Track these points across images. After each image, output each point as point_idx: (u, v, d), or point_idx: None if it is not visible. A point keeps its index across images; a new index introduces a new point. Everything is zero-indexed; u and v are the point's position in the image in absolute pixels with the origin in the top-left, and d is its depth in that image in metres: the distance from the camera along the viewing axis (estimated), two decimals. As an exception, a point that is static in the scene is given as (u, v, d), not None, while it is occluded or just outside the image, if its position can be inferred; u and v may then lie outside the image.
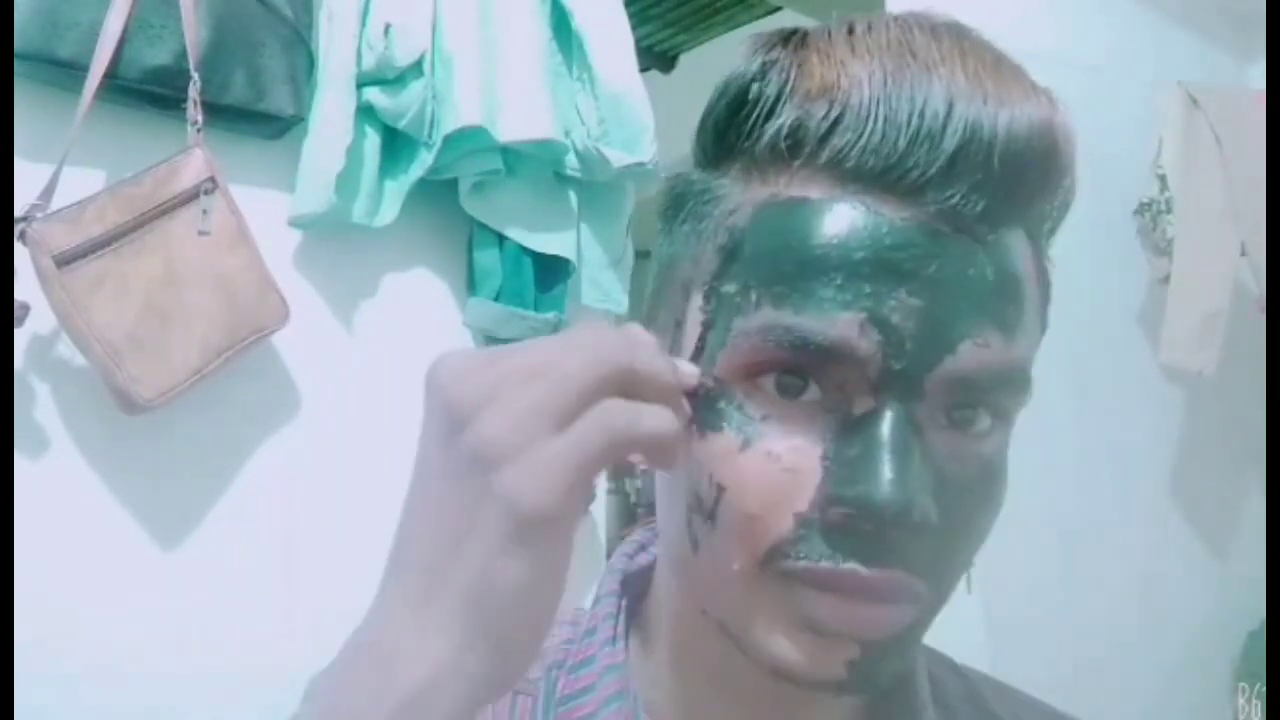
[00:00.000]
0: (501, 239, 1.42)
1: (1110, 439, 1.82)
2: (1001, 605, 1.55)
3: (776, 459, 0.38)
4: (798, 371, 0.39)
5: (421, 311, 1.44)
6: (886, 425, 0.37)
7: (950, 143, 0.37)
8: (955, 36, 0.40)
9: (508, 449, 0.33)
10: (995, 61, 0.40)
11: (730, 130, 0.41)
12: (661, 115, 1.45)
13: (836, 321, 0.37)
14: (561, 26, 1.47)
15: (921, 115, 0.37)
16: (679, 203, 0.44)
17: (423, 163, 1.34)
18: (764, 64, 0.40)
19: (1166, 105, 1.83)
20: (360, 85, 1.31)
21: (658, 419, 0.35)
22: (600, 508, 1.57)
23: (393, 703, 0.34)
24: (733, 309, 0.40)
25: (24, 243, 1.05)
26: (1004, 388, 0.39)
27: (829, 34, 0.41)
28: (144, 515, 1.19)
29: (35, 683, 0.99)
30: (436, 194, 1.40)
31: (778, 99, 0.40)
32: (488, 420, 0.33)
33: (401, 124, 1.32)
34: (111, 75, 1.11)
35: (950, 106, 0.37)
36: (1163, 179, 1.83)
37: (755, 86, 0.40)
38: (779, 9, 2.44)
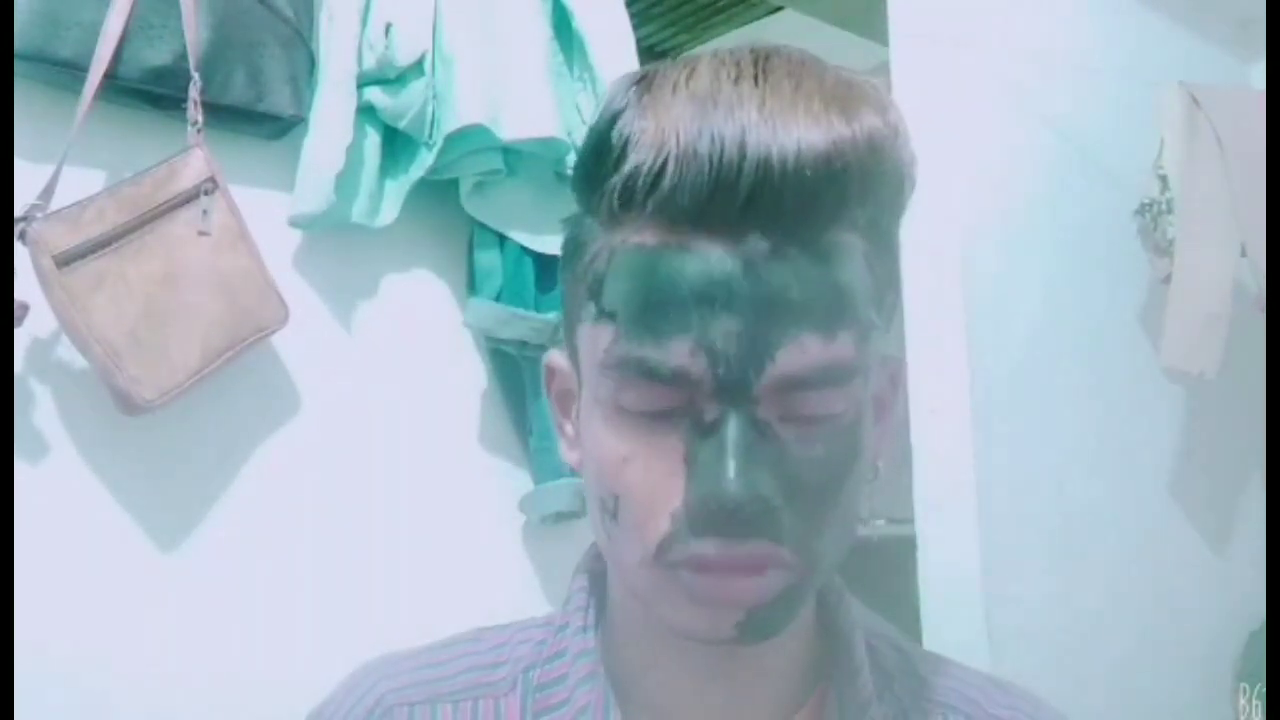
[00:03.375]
0: (502, 239, 1.42)
1: (1111, 439, 1.82)
2: (1002, 605, 1.55)
3: (652, 469, 0.46)
4: (659, 392, 0.45)
5: (421, 312, 1.44)
6: (727, 429, 0.44)
7: (746, 183, 0.43)
8: (757, 76, 0.44)
9: None
10: (793, 91, 0.44)
11: (591, 179, 0.47)
12: (662, 115, 1.45)
13: (672, 351, 0.44)
14: (562, 26, 1.47)
15: (720, 162, 0.42)
16: (567, 245, 0.51)
17: (423, 163, 1.34)
18: (613, 115, 0.46)
19: (1167, 105, 1.82)
20: (361, 85, 1.31)
21: None
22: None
23: None
24: (603, 344, 0.46)
25: (24, 243, 1.05)
26: (832, 379, 0.45)
27: (666, 78, 0.46)
28: (143, 516, 1.19)
29: (35, 683, 0.99)
30: (437, 194, 1.40)
31: (624, 148, 0.45)
32: None
33: (402, 124, 1.32)
34: (111, 75, 1.11)
35: (743, 150, 0.42)
36: (1164, 179, 1.82)
37: (612, 134, 0.45)
38: (780, 9, 2.44)
